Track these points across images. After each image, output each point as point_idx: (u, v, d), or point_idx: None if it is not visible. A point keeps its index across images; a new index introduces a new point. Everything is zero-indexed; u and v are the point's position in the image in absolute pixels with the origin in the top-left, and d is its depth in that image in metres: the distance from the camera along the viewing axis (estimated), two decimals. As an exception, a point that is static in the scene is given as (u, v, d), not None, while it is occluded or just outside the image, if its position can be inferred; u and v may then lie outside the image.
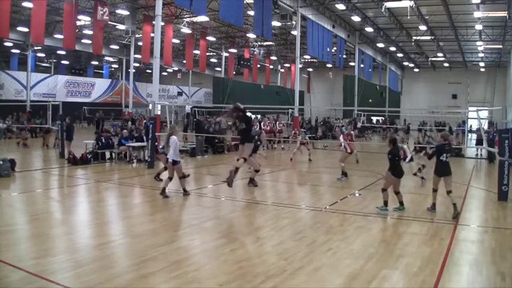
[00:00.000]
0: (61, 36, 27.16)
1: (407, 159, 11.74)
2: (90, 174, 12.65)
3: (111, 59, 43.95)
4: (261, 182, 11.93)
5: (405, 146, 12.17)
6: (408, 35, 31.31)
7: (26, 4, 22.85)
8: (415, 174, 11.83)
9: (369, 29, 29.95)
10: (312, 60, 41.86)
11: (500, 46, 31.80)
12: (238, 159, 9.59)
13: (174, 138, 9.26)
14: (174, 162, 9.25)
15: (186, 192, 9.44)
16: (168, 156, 9.47)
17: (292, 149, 20.30)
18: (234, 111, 9.77)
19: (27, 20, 25.74)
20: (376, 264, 5.49)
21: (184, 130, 25.17)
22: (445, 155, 8.18)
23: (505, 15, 22.65)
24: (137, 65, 37.99)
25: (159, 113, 17.53)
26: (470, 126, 24.66)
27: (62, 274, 4.93)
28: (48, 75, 36.94)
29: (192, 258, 5.67)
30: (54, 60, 40.87)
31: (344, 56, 36.25)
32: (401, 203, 8.43)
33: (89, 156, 14.59)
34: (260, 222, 7.73)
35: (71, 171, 13.10)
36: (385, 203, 8.28)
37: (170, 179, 9.36)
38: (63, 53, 38.66)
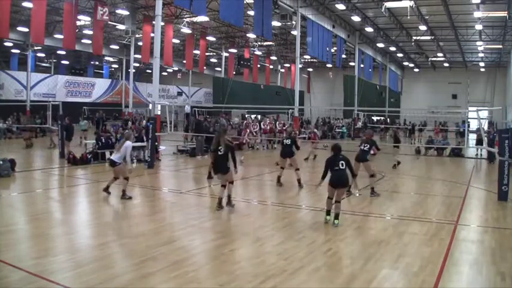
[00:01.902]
0: (61, 36, 27.13)
1: None
2: (90, 174, 12.64)
3: (111, 59, 43.92)
4: (261, 182, 11.95)
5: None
6: (408, 35, 31.30)
7: (26, 4, 22.82)
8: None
9: (369, 29, 29.94)
10: (312, 60, 41.84)
11: (500, 46, 31.78)
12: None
13: (128, 143, 9.14)
14: (113, 163, 9.12)
15: (124, 196, 9.00)
16: (111, 157, 9.32)
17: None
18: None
19: (27, 20, 25.72)
20: (376, 264, 5.50)
21: (185, 130, 25.19)
22: (363, 144, 10.13)
23: (505, 15, 22.63)
24: (137, 65, 37.96)
25: (159, 113, 17.51)
26: (468, 125, 24.68)
27: (62, 274, 4.93)
28: (48, 75, 36.89)
29: (192, 258, 5.67)
30: (54, 60, 40.82)
31: (344, 56, 36.23)
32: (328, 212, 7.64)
33: (89, 156, 14.60)
34: (260, 222, 7.73)
35: (71, 171, 13.11)
36: (328, 212, 7.45)
37: (115, 178, 9.27)
38: (63, 53, 38.62)
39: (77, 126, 20.61)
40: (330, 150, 7.97)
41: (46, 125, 19.43)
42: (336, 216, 7.26)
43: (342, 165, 7.33)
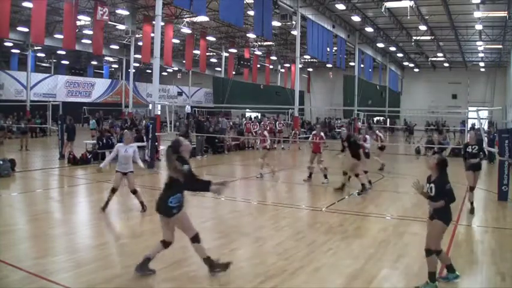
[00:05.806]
0: (61, 36, 27.11)
1: None
2: (90, 174, 12.64)
3: (111, 59, 43.88)
4: (261, 182, 11.95)
5: None
6: (408, 35, 31.28)
7: (26, 4, 22.78)
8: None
9: (369, 29, 29.93)
10: (312, 60, 41.81)
11: (500, 46, 31.75)
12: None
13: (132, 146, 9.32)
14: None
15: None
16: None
17: (293, 148, 20.29)
18: None
19: (27, 20, 25.69)
20: (376, 264, 5.49)
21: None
22: None
23: (505, 15, 22.61)
24: (137, 65, 37.92)
25: (159, 113, 17.51)
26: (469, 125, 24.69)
27: (62, 274, 4.93)
28: (48, 75, 36.85)
29: (192, 258, 5.65)
30: (54, 60, 40.77)
31: (344, 56, 36.22)
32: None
33: (89, 156, 14.59)
34: (260, 222, 7.73)
35: (71, 171, 13.10)
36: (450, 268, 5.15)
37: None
38: (63, 53, 38.58)
39: (79, 128, 20.56)
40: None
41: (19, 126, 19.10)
42: (449, 269, 5.07)
43: (431, 191, 5.34)
